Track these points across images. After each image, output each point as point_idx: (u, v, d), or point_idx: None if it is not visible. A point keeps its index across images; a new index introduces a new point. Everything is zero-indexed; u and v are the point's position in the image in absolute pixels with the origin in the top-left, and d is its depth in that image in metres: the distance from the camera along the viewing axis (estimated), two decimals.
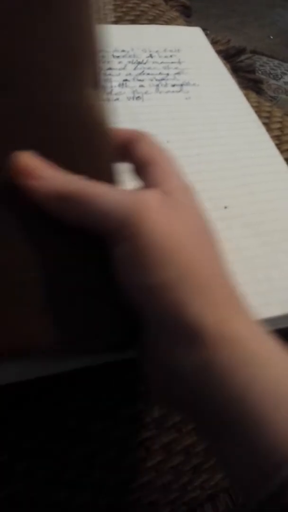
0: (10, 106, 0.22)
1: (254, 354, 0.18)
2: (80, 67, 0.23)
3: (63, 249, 0.21)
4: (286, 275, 0.31)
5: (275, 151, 0.38)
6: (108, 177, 0.22)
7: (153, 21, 0.58)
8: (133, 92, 0.38)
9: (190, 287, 0.19)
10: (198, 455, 0.29)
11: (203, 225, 0.22)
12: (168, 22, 0.59)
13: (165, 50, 0.44)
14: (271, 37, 1.62)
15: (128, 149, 0.23)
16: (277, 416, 0.17)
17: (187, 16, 0.70)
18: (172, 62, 0.43)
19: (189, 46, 0.45)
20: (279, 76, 1.24)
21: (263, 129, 0.39)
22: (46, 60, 0.23)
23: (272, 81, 1.20)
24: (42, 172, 0.20)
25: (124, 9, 0.55)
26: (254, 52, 1.25)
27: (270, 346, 0.19)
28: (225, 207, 0.32)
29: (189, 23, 0.65)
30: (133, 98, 0.38)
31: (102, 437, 0.28)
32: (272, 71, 1.23)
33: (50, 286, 0.20)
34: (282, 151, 0.41)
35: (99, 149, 0.23)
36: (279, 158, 0.37)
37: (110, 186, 0.21)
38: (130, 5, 0.57)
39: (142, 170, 0.23)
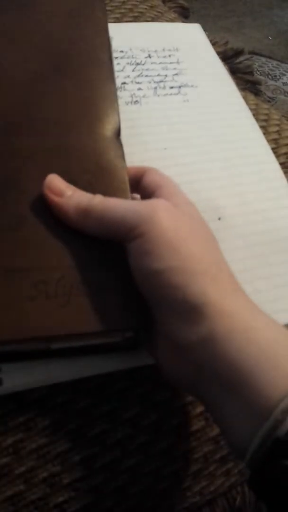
0: (35, 145, 0.28)
1: (249, 322, 0.22)
2: (95, 116, 0.29)
3: (89, 253, 0.25)
4: (273, 287, 0.31)
5: (272, 158, 0.38)
6: (124, 198, 0.27)
7: (151, 22, 0.57)
8: (131, 96, 0.38)
9: (194, 271, 0.23)
10: (197, 461, 0.29)
11: (204, 226, 0.26)
12: (166, 22, 0.59)
13: (163, 50, 0.44)
14: (270, 38, 1.62)
15: (138, 181, 0.29)
16: (268, 367, 0.21)
17: (185, 17, 0.70)
18: (171, 63, 0.42)
19: (188, 45, 0.45)
20: (278, 77, 1.24)
21: (260, 133, 0.39)
22: (63, 110, 0.29)
23: (270, 82, 1.20)
24: (64, 191, 0.26)
25: (122, 10, 0.55)
26: (252, 52, 1.25)
27: (262, 316, 0.23)
28: (219, 219, 0.33)
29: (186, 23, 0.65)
30: (131, 102, 0.38)
31: (101, 441, 0.28)
32: (270, 72, 1.23)
33: (82, 282, 0.24)
34: (279, 155, 0.41)
35: (113, 176, 0.27)
36: (275, 164, 0.37)
37: (123, 199, 0.26)
38: (128, 6, 0.57)
39: (151, 195, 0.27)
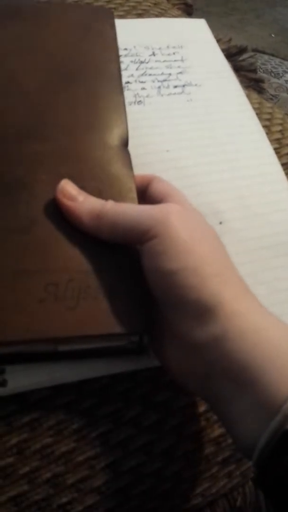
0: (48, 150, 0.28)
1: (259, 322, 0.23)
2: (103, 126, 0.30)
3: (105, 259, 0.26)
4: (273, 291, 0.31)
5: (274, 160, 0.37)
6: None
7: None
8: (135, 96, 0.38)
9: (207, 272, 0.24)
10: (199, 462, 0.29)
11: (212, 232, 0.26)
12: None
13: (168, 47, 0.43)
14: (273, 35, 1.61)
15: (144, 189, 0.29)
16: (278, 364, 0.22)
17: (189, 14, 0.70)
18: (175, 60, 0.42)
19: (193, 42, 0.44)
20: (280, 75, 1.24)
21: (263, 135, 0.39)
22: (73, 119, 0.30)
23: (273, 80, 1.19)
24: (76, 196, 0.26)
25: (126, 8, 0.55)
26: (255, 50, 1.24)
27: (270, 316, 0.24)
28: (220, 223, 0.33)
29: None
30: (134, 102, 0.37)
31: (104, 441, 0.28)
32: (273, 70, 1.23)
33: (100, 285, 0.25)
34: (281, 155, 0.41)
35: (121, 185, 0.28)
36: (277, 167, 0.37)
37: (135, 205, 0.27)
38: (132, 3, 0.57)
39: (159, 203, 0.28)
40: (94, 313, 0.24)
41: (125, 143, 0.30)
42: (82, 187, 0.27)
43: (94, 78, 0.32)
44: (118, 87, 0.32)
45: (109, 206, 0.26)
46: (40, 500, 0.26)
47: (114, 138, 0.30)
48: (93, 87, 0.31)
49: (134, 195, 0.28)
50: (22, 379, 0.27)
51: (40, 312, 0.24)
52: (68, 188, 0.26)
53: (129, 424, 0.29)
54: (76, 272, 0.25)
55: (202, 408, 0.30)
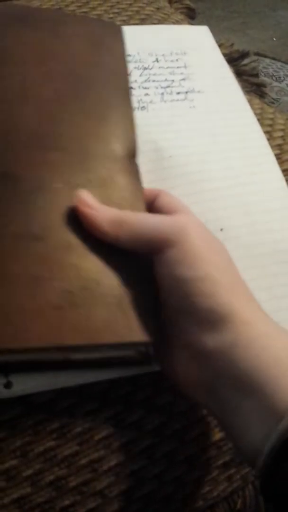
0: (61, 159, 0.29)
1: (266, 330, 0.24)
2: (112, 136, 0.30)
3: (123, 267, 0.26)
4: (274, 298, 0.31)
5: (275, 167, 0.38)
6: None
7: (158, 24, 0.57)
8: (138, 101, 0.38)
9: (221, 281, 0.25)
10: (200, 466, 0.30)
11: (222, 244, 0.28)
12: (173, 25, 0.59)
13: (171, 54, 0.44)
14: (274, 39, 1.62)
15: (151, 203, 0.30)
16: (283, 371, 0.22)
17: (192, 18, 0.70)
18: (178, 67, 0.43)
19: (195, 49, 0.45)
20: (282, 78, 1.24)
21: (265, 142, 0.39)
22: (83, 129, 0.30)
23: (275, 83, 1.20)
24: (94, 205, 0.27)
25: (129, 13, 0.55)
26: (257, 54, 1.24)
27: (275, 325, 0.25)
28: (221, 229, 0.33)
29: (192, 25, 0.65)
30: (138, 108, 0.38)
31: (106, 444, 0.28)
32: (275, 73, 1.23)
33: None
34: (283, 161, 0.41)
35: (130, 195, 0.28)
36: (278, 174, 0.37)
37: (152, 214, 0.28)
38: (135, 8, 0.57)
39: (167, 212, 0.29)
40: (108, 321, 0.24)
41: (133, 154, 0.30)
42: (93, 196, 0.27)
43: (104, 90, 0.32)
44: (128, 101, 0.32)
45: (129, 214, 0.27)
46: (43, 502, 0.27)
47: (123, 149, 0.30)
48: (103, 99, 0.32)
49: (143, 205, 0.28)
50: (27, 381, 0.27)
51: (55, 320, 0.24)
52: (86, 196, 0.27)
53: (131, 428, 0.29)
54: (90, 281, 0.25)
55: (203, 412, 0.30)
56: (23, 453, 0.27)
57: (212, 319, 0.24)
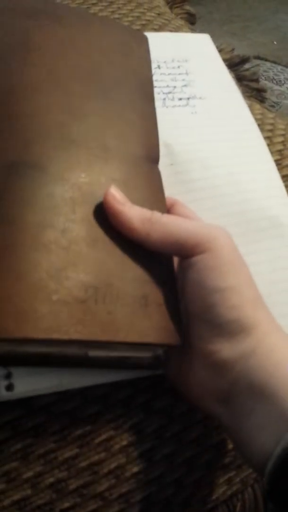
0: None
1: (283, 341, 0.25)
2: (136, 141, 0.30)
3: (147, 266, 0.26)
4: (273, 305, 0.32)
5: (275, 174, 0.38)
6: None
7: (159, 30, 0.58)
8: None
9: (249, 294, 0.25)
10: (199, 468, 0.30)
11: (243, 259, 0.28)
12: (174, 30, 0.59)
13: (173, 60, 0.44)
14: (275, 43, 1.62)
15: (168, 211, 0.30)
16: None
17: (192, 23, 0.71)
18: (180, 74, 0.43)
19: (197, 55, 0.45)
20: (282, 82, 1.24)
21: (266, 148, 0.40)
22: (107, 133, 0.30)
23: (275, 87, 1.20)
24: (125, 201, 0.26)
25: (130, 19, 0.56)
26: (257, 57, 1.25)
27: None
28: None
29: (193, 30, 0.65)
30: None
31: (107, 447, 0.28)
32: (275, 77, 1.24)
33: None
34: (283, 167, 0.41)
35: (153, 200, 0.28)
36: (278, 181, 0.38)
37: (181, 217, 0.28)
38: (136, 14, 0.57)
39: None
40: (132, 320, 0.24)
41: (155, 160, 0.31)
42: None
43: (129, 93, 0.32)
44: (152, 107, 0.33)
45: (161, 214, 0.27)
46: (43, 504, 0.27)
47: (145, 153, 0.30)
48: (128, 102, 0.32)
49: (165, 210, 0.28)
50: (29, 384, 0.27)
51: (80, 313, 0.23)
52: (117, 192, 0.27)
53: (131, 431, 0.29)
54: (114, 277, 0.25)
55: (202, 414, 0.31)
56: (24, 455, 0.27)
57: (235, 330, 0.25)
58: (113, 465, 0.28)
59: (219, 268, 0.25)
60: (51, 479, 0.27)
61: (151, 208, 0.27)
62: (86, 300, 0.24)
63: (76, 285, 0.24)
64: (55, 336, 0.23)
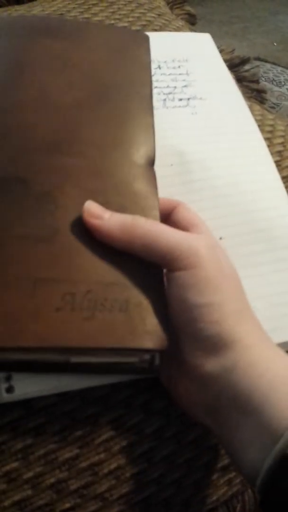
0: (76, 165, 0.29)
1: (266, 354, 0.25)
2: (131, 145, 0.31)
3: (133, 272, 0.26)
4: (271, 306, 0.32)
5: (275, 175, 0.38)
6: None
7: (159, 30, 0.58)
8: None
9: (230, 309, 0.25)
10: (199, 469, 0.30)
11: (233, 268, 0.28)
12: (174, 31, 0.59)
13: (173, 61, 0.44)
14: (275, 44, 1.63)
15: (168, 214, 0.30)
16: (281, 392, 0.23)
17: (192, 24, 0.71)
18: (180, 74, 0.43)
19: (197, 56, 0.45)
20: (282, 83, 1.24)
21: (266, 150, 0.40)
22: (102, 136, 0.30)
23: (275, 88, 1.20)
24: (102, 214, 0.26)
25: (130, 19, 0.56)
26: (257, 59, 1.25)
27: (276, 349, 0.26)
28: (220, 238, 0.33)
29: (193, 31, 0.65)
30: None
31: (107, 448, 0.28)
32: (275, 78, 1.24)
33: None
34: (283, 168, 0.41)
35: (145, 203, 0.28)
36: (278, 182, 0.38)
37: (166, 225, 0.27)
38: (136, 14, 0.58)
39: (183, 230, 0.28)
40: (110, 325, 0.24)
41: (151, 162, 0.31)
42: (107, 202, 0.27)
43: (126, 99, 0.33)
44: (149, 110, 0.33)
45: (144, 220, 0.26)
46: (43, 505, 0.27)
47: (141, 156, 0.30)
48: (125, 107, 0.32)
49: (157, 213, 0.28)
50: (29, 386, 0.27)
51: (55, 321, 0.24)
52: (93, 207, 0.27)
53: (131, 431, 0.29)
54: (95, 284, 0.25)
55: None
56: (24, 455, 0.27)
57: (217, 344, 0.25)
58: (113, 466, 0.28)
59: (199, 285, 0.25)
60: (52, 480, 0.27)
61: (145, 213, 0.27)
62: (62, 308, 0.24)
63: (53, 293, 0.24)
64: (24, 344, 0.23)
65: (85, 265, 0.26)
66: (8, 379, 0.27)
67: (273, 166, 0.39)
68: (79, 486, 0.28)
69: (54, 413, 0.28)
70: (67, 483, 0.27)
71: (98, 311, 0.24)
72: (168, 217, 0.30)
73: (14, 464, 0.27)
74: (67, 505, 0.27)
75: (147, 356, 0.26)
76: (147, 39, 0.37)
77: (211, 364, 0.25)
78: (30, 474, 0.27)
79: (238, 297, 0.26)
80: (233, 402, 0.24)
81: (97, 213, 0.26)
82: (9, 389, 0.27)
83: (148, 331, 0.25)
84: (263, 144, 0.40)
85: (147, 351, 0.26)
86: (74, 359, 0.26)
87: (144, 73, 0.34)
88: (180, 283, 0.25)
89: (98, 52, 0.35)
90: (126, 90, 0.33)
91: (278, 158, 0.42)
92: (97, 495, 0.28)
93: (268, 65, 1.29)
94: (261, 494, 0.22)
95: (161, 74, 0.42)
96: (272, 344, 0.26)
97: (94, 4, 0.55)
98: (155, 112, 0.38)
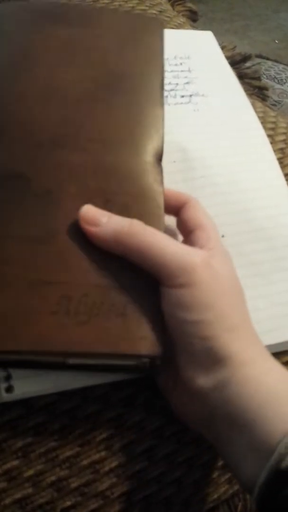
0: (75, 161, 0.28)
1: (260, 370, 0.24)
2: (140, 139, 0.29)
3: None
4: (272, 305, 0.32)
5: (278, 172, 0.38)
6: (158, 224, 0.27)
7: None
8: None
9: (224, 326, 0.24)
10: (200, 468, 0.30)
11: (235, 280, 0.27)
12: (175, 28, 0.59)
13: (175, 58, 0.44)
14: (276, 41, 1.62)
15: (178, 209, 0.29)
16: (274, 406, 0.23)
17: (194, 21, 0.70)
18: (182, 71, 0.43)
19: (199, 53, 0.45)
20: (284, 81, 1.24)
21: (269, 147, 0.39)
22: (109, 130, 0.29)
23: (276, 86, 1.20)
24: (99, 219, 0.25)
25: None
26: (259, 56, 1.24)
27: (273, 363, 0.25)
28: (222, 236, 0.33)
29: (194, 28, 0.65)
30: None
31: (107, 446, 0.28)
32: (276, 76, 1.23)
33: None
34: (285, 165, 0.41)
35: (150, 201, 0.28)
36: (281, 180, 0.37)
37: (164, 235, 0.26)
38: (137, 11, 0.57)
39: (190, 231, 0.28)
40: (105, 330, 0.24)
41: (159, 157, 0.30)
42: (109, 201, 0.27)
43: (135, 90, 0.31)
44: (159, 101, 0.31)
45: (141, 228, 0.25)
46: (44, 503, 0.27)
47: (148, 152, 0.29)
48: (133, 99, 0.31)
49: (161, 212, 0.27)
50: (28, 385, 0.27)
51: (50, 325, 0.24)
52: (90, 213, 0.26)
53: (131, 429, 0.29)
54: (91, 287, 0.25)
55: None
56: (25, 453, 0.27)
57: (209, 360, 0.24)
58: (114, 464, 0.28)
59: (192, 304, 0.24)
60: (52, 478, 0.27)
61: (149, 212, 0.27)
62: (57, 311, 0.24)
63: (48, 296, 0.24)
64: (17, 348, 0.23)
65: (83, 268, 0.25)
66: (7, 378, 0.27)
67: (275, 163, 0.38)
68: (80, 484, 0.27)
69: (54, 411, 0.28)
70: (68, 481, 0.27)
71: (94, 316, 0.24)
72: (178, 213, 0.29)
73: (15, 462, 0.27)
74: (68, 503, 0.27)
75: (145, 360, 0.26)
76: (161, 25, 0.35)
77: (203, 379, 0.24)
78: (30, 472, 0.27)
79: (235, 312, 0.26)
80: (226, 419, 0.24)
81: (93, 220, 0.25)
82: (9, 389, 0.27)
83: (143, 337, 0.24)
84: (265, 141, 0.39)
85: (141, 356, 0.25)
86: (71, 361, 0.26)
87: (155, 63, 0.33)
88: (173, 301, 0.25)
89: (108, 39, 0.33)
90: (136, 80, 0.32)
91: (280, 155, 0.42)
92: (98, 493, 0.27)
93: (270, 63, 1.28)
94: (259, 504, 0.22)
95: None
96: (269, 357, 0.25)
97: (95, 1, 0.54)
98: None
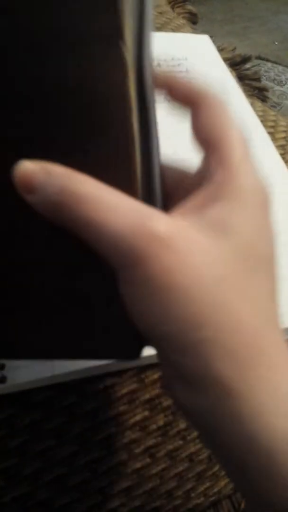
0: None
1: (258, 410, 0.16)
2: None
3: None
4: None
5: (280, 170, 0.38)
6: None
7: (160, 28, 0.58)
8: None
9: (192, 339, 0.16)
10: (202, 462, 0.30)
11: (257, 261, 0.18)
12: (175, 29, 0.60)
13: (173, 59, 0.44)
14: (276, 43, 1.63)
15: (191, 113, 0.19)
16: (278, 447, 0.16)
17: (194, 23, 0.71)
18: (180, 72, 0.43)
19: (196, 55, 0.45)
20: (284, 82, 1.24)
21: (269, 142, 0.39)
22: None
23: (276, 87, 1.20)
24: (36, 182, 0.16)
25: None
26: (259, 58, 1.25)
27: (272, 393, 0.17)
28: None
29: (194, 29, 0.65)
30: None
31: (108, 444, 0.28)
32: (276, 77, 1.24)
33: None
34: (286, 161, 0.41)
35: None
36: (285, 178, 0.38)
37: (124, 199, 0.16)
38: None
39: (203, 149, 0.18)
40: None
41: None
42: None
43: None
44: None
45: (77, 186, 0.16)
46: (43, 500, 0.27)
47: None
48: None
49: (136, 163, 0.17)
50: (22, 376, 0.27)
51: None
52: (24, 174, 0.16)
53: (134, 428, 0.29)
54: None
55: None
56: (22, 452, 0.27)
57: (186, 375, 0.17)
58: (114, 462, 0.28)
59: (143, 300, 0.16)
60: (51, 476, 0.27)
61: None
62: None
63: None
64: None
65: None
66: (0, 369, 0.27)
67: (278, 157, 0.38)
68: (78, 482, 0.27)
69: (52, 408, 0.28)
70: (68, 478, 0.27)
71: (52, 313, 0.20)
72: (190, 116, 0.19)
73: (13, 460, 0.27)
74: (68, 500, 0.27)
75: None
76: None
77: (186, 396, 0.17)
78: (28, 470, 0.27)
79: (229, 315, 0.16)
80: (222, 444, 0.17)
81: (27, 186, 0.16)
82: (1, 380, 0.27)
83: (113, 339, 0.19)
84: (266, 137, 0.40)
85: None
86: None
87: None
88: (124, 288, 0.17)
89: None
90: None
91: (281, 152, 0.42)
92: (97, 490, 0.27)
93: (269, 64, 1.29)
94: None
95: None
96: (282, 391, 0.17)
97: None
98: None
